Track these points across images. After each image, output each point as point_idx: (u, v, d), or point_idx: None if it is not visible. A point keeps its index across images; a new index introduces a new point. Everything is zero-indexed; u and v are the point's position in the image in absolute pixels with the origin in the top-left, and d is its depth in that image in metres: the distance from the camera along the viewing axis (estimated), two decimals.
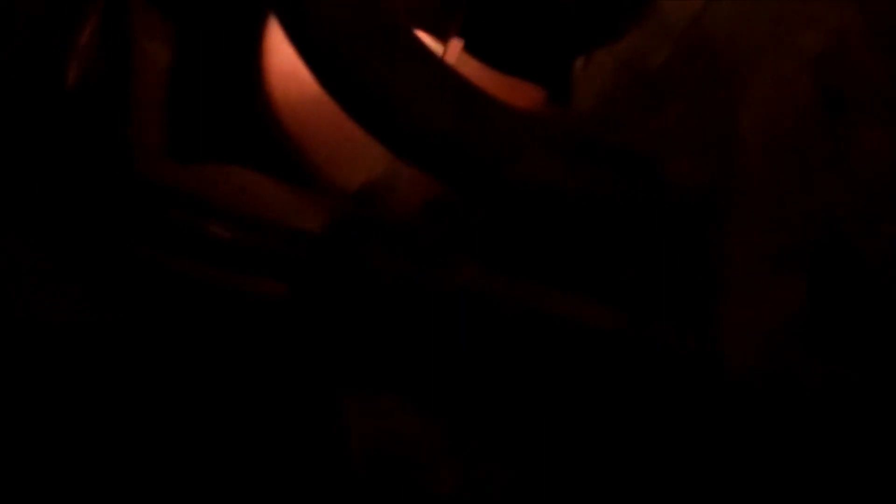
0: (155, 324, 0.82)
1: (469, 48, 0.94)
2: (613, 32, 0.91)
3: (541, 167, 0.77)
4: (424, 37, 0.90)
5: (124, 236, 0.82)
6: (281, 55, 0.92)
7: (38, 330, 0.80)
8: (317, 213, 0.86)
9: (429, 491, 0.82)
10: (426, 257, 0.83)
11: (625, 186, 0.80)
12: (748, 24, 0.83)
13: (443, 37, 0.94)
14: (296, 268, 0.84)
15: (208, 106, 0.92)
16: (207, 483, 0.83)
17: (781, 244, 0.75)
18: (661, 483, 0.79)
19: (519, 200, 0.78)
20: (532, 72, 0.97)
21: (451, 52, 0.92)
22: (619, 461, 0.80)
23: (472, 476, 0.82)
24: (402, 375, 0.82)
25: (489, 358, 0.81)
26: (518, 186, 0.77)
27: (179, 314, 0.83)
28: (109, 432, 0.82)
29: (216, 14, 0.92)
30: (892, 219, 0.75)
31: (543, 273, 0.80)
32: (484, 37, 0.95)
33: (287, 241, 0.85)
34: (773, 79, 0.80)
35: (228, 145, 0.90)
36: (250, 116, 0.93)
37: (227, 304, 0.84)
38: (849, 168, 0.76)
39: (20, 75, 0.81)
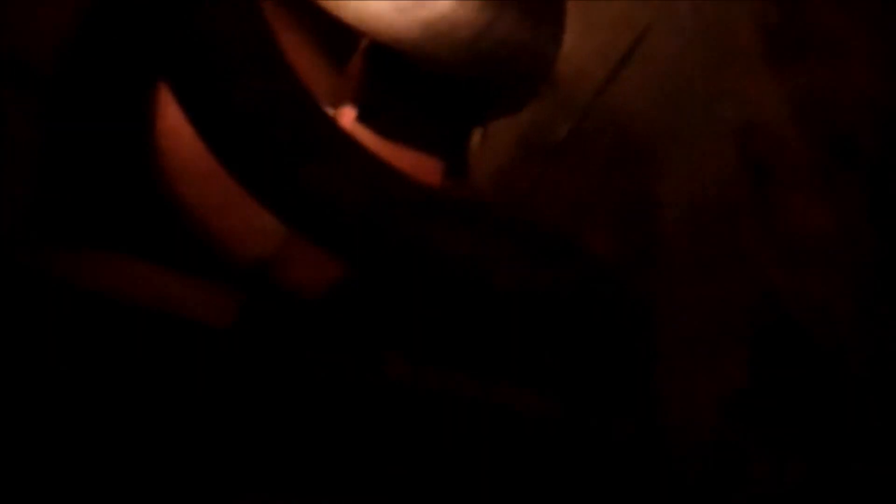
0: None
1: (361, 117, 0.89)
2: (511, 105, 0.87)
3: (455, 247, 0.72)
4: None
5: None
6: (172, 119, 0.84)
7: None
8: (217, 303, 0.78)
9: None
10: (354, 349, 0.76)
11: (545, 265, 0.75)
12: (659, 97, 0.81)
13: (335, 105, 0.88)
14: (199, 363, 0.75)
15: (90, 175, 0.83)
16: None
17: (719, 317, 0.72)
18: None
19: (433, 283, 0.72)
20: (426, 142, 0.92)
21: (344, 120, 0.86)
22: None
23: None
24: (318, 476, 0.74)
25: (421, 450, 0.74)
26: (432, 269, 0.71)
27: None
28: None
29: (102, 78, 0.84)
30: (827, 284, 0.73)
31: (469, 362, 0.74)
32: (377, 105, 0.89)
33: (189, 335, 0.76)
34: (694, 151, 0.78)
35: (112, 221, 0.82)
36: (139, 186, 0.85)
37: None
38: (779, 237, 0.73)
39: None
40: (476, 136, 0.88)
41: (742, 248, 0.78)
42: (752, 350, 0.75)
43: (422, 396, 0.75)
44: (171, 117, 0.83)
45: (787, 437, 0.74)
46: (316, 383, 0.75)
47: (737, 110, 0.79)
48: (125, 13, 0.80)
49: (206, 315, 0.79)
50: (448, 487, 0.74)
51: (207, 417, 0.75)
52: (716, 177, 0.79)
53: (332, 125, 0.71)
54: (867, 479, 0.75)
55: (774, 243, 0.77)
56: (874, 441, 0.77)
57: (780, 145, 0.80)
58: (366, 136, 0.85)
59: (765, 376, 0.74)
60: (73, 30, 0.81)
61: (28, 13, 0.80)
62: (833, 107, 0.81)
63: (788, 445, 0.74)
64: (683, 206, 0.78)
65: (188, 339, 0.77)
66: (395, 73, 0.84)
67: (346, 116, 0.84)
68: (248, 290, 0.83)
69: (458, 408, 0.74)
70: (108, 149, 0.83)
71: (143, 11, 0.73)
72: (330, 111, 0.81)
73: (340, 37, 0.80)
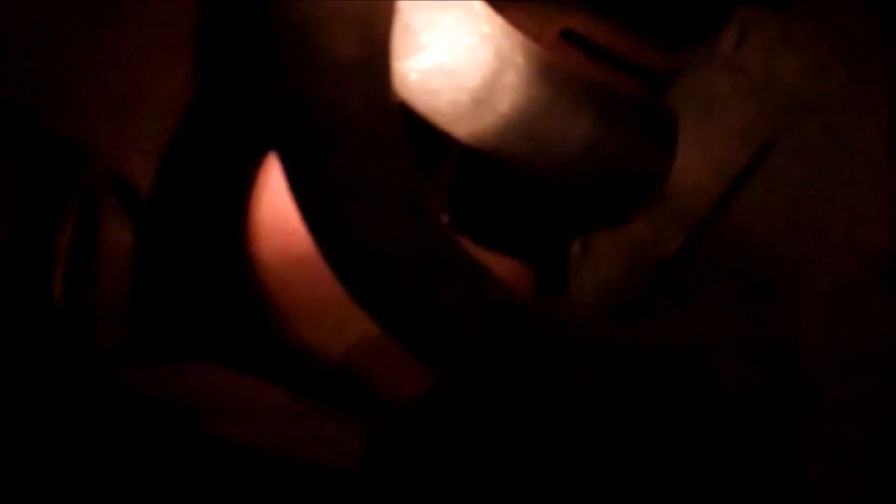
0: None
1: (455, 222, 0.91)
2: (617, 217, 0.84)
3: (594, 378, 0.70)
4: None
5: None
6: (265, 231, 0.92)
7: None
8: (341, 441, 0.80)
9: None
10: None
11: (678, 392, 0.71)
12: (789, 218, 0.76)
13: None
14: None
15: (186, 285, 0.91)
16: None
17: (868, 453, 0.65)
18: None
19: (576, 413, 0.70)
20: (520, 249, 0.92)
21: None
22: None
23: None
24: None
25: None
26: (572, 398, 0.70)
27: None
28: None
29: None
30: None
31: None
32: (470, 211, 0.91)
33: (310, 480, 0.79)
34: (833, 276, 0.72)
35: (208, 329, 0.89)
36: (233, 294, 0.92)
37: None
38: None
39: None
40: (575, 246, 0.88)
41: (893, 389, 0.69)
42: None
43: None
44: (264, 228, 0.91)
45: None
46: None
47: (881, 233, 0.73)
48: (222, 129, 0.89)
49: (329, 456, 0.80)
50: None
51: None
52: (861, 311, 0.72)
53: (455, 243, 0.71)
54: None
55: None
56: None
57: None
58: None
59: None
60: (172, 145, 0.90)
61: (130, 128, 0.87)
62: None
63: None
64: (826, 340, 0.72)
65: (309, 483, 0.78)
66: (489, 179, 0.86)
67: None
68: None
69: None
70: (203, 260, 0.91)
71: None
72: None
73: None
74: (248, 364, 0.87)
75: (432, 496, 0.79)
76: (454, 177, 0.93)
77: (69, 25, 0.84)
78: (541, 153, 0.82)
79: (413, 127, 0.77)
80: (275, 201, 0.94)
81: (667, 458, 0.72)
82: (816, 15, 0.80)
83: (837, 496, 0.69)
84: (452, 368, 0.71)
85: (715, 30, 0.85)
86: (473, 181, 0.93)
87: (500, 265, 0.90)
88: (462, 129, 0.79)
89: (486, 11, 0.77)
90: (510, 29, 0.79)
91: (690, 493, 0.72)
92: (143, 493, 0.77)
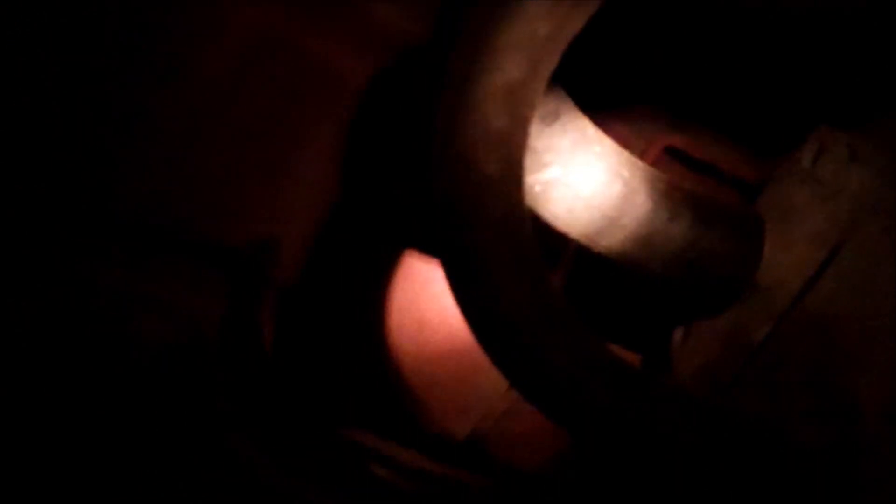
0: None
1: None
2: (713, 308, 0.96)
3: (690, 438, 0.82)
4: None
5: None
6: (397, 315, 1.05)
7: None
8: None
9: None
10: None
11: (757, 453, 0.83)
12: (853, 304, 0.87)
13: None
14: None
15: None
16: None
17: None
18: None
19: (673, 473, 0.83)
20: (628, 340, 1.03)
21: None
22: None
23: None
24: None
25: None
26: (671, 458, 0.82)
27: None
28: None
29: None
30: None
31: None
32: (583, 306, 1.02)
33: None
34: (888, 353, 0.83)
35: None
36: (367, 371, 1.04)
37: None
38: None
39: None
40: (678, 335, 0.99)
41: None
42: None
43: None
44: (400, 320, 1.04)
45: None
46: None
47: None
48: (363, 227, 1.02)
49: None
50: None
51: None
52: None
53: (573, 314, 0.84)
54: None
55: None
56: None
57: None
58: None
59: None
60: (314, 243, 0.99)
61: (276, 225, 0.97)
62: None
63: None
64: (883, 402, 0.83)
65: None
66: (600, 271, 0.99)
67: None
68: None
69: None
70: (343, 347, 1.03)
71: None
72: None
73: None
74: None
75: None
76: (570, 275, 1.05)
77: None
78: (644, 251, 0.95)
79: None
80: (410, 297, 1.08)
81: None
82: (881, 132, 0.92)
83: None
84: (566, 420, 0.84)
85: (796, 144, 0.97)
86: (587, 279, 1.06)
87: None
88: (577, 231, 0.92)
89: (598, 134, 0.91)
90: (618, 148, 0.92)
91: None
92: None
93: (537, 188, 0.88)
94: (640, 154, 1.06)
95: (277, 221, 0.96)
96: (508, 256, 0.78)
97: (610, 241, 0.94)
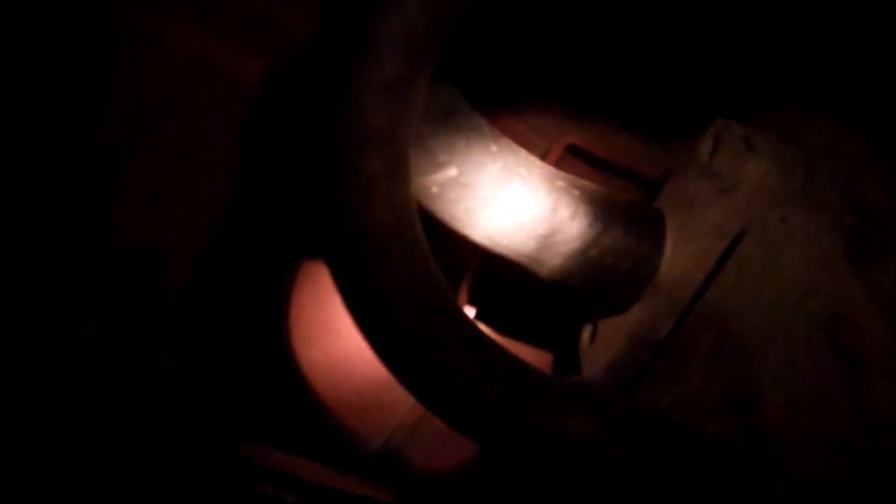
0: None
1: (480, 316, 1.02)
2: (618, 306, 0.96)
3: (586, 431, 0.81)
4: None
5: None
6: (306, 329, 1.03)
7: None
8: None
9: None
10: None
11: (661, 448, 0.83)
12: (754, 296, 0.87)
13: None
14: None
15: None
16: None
17: (824, 483, 0.76)
18: None
19: (567, 466, 0.81)
20: (536, 338, 1.03)
21: None
22: None
23: None
24: None
25: None
26: (566, 452, 0.81)
27: None
28: None
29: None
30: None
31: None
32: (493, 306, 1.02)
33: None
34: (789, 343, 0.83)
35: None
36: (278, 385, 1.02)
37: None
38: (872, 420, 0.77)
39: None
40: (585, 333, 0.99)
41: (839, 430, 0.80)
42: None
43: None
44: (308, 329, 1.02)
45: None
46: None
47: (824, 306, 0.84)
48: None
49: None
50: None
51: None
52: (810, 365, 0.82)
53: (469, 320, 0.82)
54: None
55: (863, 423, 0.79)
56: None
57: (864, 336, 0.82)
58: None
59: None
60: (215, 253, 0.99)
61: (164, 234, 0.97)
62: None
63: None
64: (784, 391, 0.83)
65: None
66: (508, 278, 0.98)
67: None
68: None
69: None
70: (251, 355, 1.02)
71: None
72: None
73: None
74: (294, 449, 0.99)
75: None
76: (479, 277, 1.04)
77: None
78: (545, 250, 0.94)
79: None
80: (317, 305, 1.06)
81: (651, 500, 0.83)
82: (777, 124, 0.93)
83: None
84: (461, 423, 0.83)
85: (696, 137, 0.97)
86: (496, 281, 1.05)
87: (523, 353, 1.01)
88: (476, 232, 0.91)
89: (494, 133, 0.90)
90: (515, 146, 0.91)
91: None
92: None
93: (434, 189, 0.87)
94: (543, 153, 1.06)
95: (167, 231, 0.94)
96: (396, 258, 0.76)
97: (510, 241, 0.93)
